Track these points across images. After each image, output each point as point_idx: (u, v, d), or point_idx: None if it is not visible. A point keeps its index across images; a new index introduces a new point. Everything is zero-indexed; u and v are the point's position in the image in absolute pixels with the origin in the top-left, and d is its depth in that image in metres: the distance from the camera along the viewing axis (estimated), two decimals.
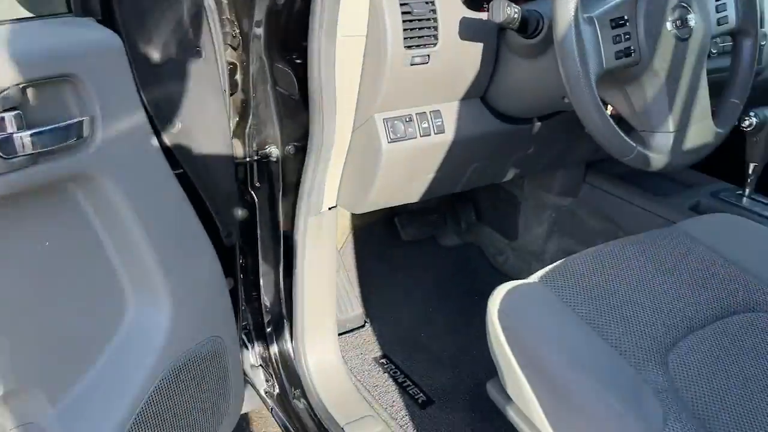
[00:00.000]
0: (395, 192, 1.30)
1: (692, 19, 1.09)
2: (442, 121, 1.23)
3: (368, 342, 1.62)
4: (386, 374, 1.51)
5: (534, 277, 1.13)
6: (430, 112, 1.22)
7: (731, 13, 1.18)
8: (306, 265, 1.38)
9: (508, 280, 1.93)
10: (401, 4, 1.09)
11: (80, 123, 0.91)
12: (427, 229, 1.95)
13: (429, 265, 1.92)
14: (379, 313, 1.71)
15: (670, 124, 1.09)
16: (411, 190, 1.33)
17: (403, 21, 1.09)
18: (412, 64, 1.12)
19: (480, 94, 1.27)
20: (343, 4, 1.08)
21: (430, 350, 1.60)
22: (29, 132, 0.86)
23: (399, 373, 1.52)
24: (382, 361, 1.56)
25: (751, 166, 1.53)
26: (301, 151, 1.33)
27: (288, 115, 1.30)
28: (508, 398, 1.11)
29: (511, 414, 1.10)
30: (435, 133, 1.22)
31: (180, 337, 1.11)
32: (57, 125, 0.89)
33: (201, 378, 1.17)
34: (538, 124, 1.37)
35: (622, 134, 1.04)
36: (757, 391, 0.93)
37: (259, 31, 1.23)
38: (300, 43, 1.23)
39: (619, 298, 1.05)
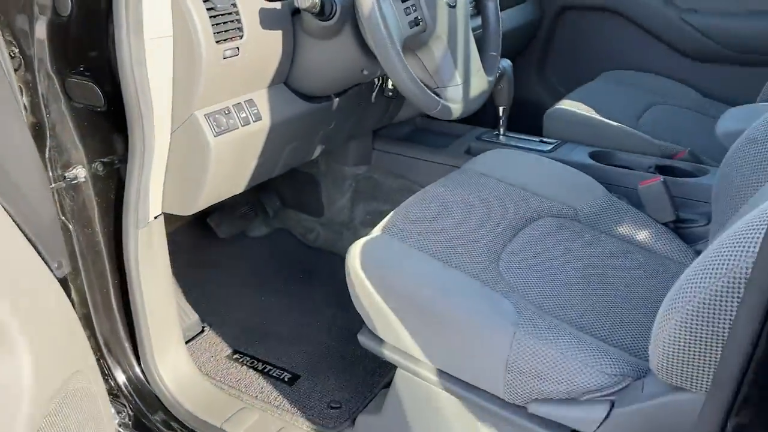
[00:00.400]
0: (224, 185, 1.33)
1: None
2: (258, 109, 1.29)
3: (215, 344, 1.62)
4: (245, 367, 1.53)
5: (376, 231, 1.26)
6: (245, 102, 1.27)
7: None
8: (142, 280, 1.34)
9: (324, 255, 2.05)
10: (204, 1, 1.13)
11: None
12: (240, 223, 1.98)
13: (247, 258, 1.95)
14: (215, 314, 1.70)
15: (457, 78, 1.30)
16: (238, 181, 1.36)
17: (210, 17, 1.13)
18: (225, 58, 1.17)
19: (284, 79, 1.35)
20: (145, 5, 1.07)
21: (276, 333, 1.65)
22: None
23: (256, 361, 1.55)
24: (235, 356, 1.57)
25: (500, 109, 1.85)
26: (110, 166, 1.29)
27: (90, 131, 1.25)
28: (381, 341, 1.23)
29: (388, 354, 1.23)
30: (254, 121, 1.28)
31: (46, 380, 1.03)
32: None
33: (76, 417, 1.09)
34: (336, 99, 1.49)
35: (429, 91, 1.22)
36: (564, 273, 1.19)
37: (43, 47, 1.16)
38: (90, 53, 1.19)
39: (447, 232, 1.24)
